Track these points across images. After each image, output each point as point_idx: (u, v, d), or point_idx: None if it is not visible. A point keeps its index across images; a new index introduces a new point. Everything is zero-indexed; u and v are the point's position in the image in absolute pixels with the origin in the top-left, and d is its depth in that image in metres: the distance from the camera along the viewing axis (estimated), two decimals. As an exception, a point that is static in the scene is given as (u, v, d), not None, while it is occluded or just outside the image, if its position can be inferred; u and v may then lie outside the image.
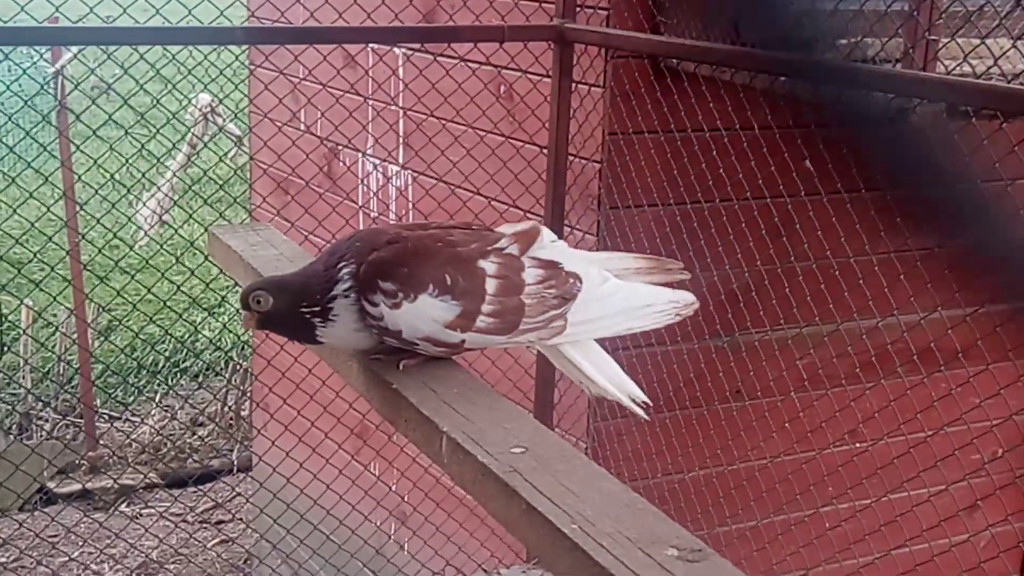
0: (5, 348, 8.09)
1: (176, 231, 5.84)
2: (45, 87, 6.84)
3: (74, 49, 6.63)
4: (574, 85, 3.31)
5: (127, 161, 5.73)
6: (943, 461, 3.01)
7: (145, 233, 6.53)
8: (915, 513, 3.19)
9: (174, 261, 6.35)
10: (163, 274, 6.31)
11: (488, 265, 1.71)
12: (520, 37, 3.29)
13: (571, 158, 3.35)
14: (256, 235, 2.34)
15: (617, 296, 1.78)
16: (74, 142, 6.58)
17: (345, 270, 1.68)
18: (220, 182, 6.30)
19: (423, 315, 1.65)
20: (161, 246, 6.48)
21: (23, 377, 7.44)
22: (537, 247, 1.77)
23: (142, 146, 5.11)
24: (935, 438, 3.07)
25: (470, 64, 3.72)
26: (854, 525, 3.43)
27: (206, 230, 5.66)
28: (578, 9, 3.25)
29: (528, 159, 3.44)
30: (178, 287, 6.71)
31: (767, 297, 3.27)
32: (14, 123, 7.16)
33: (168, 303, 6.66)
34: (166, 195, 6.51)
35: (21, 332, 7.52)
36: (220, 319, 7.73)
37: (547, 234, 1.83)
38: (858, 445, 3.42)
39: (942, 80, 2.43)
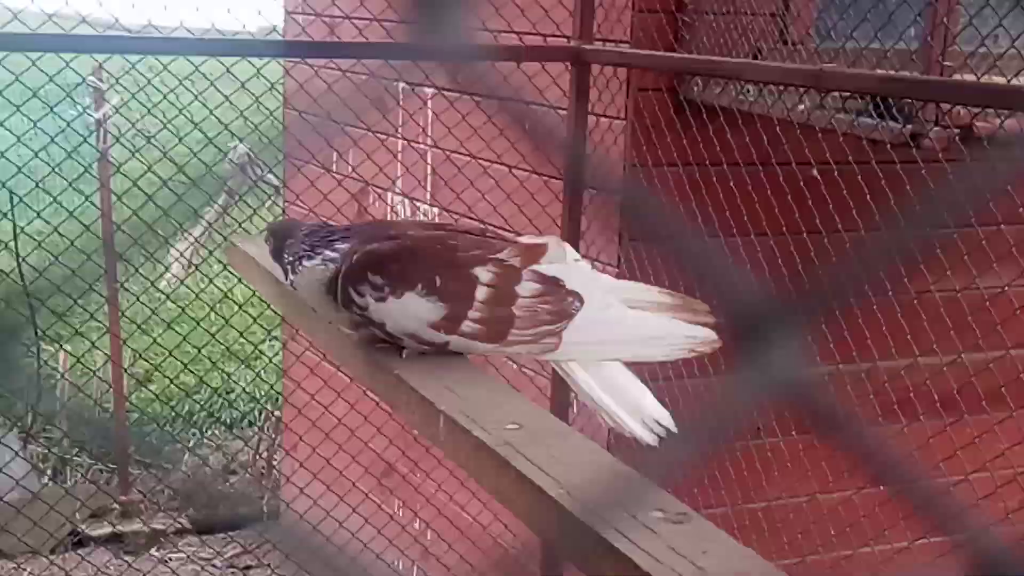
0: (42, 393, 8.18)
1: (211, 280, 5.93)
2: (87, 140, 6.96)
3: (115, 101, 6.77)
4: (596, 120, 3.33)
5: (164, 212, 5.84)
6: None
7: (178, 279, 6.61)
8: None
9: (208, 311, 6.45)
10: (198, 323, 6.37)
11: (483, 273, 1.72)
12: (537, 58, 3.32)
13: (593, 191, 3.35)
14: None
15: (623, 323, 1.75)
16: (115, 193, 6.70)
17: (332, 251, 1.74)
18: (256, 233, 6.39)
19: (408, 312, 1.69)
20: (197, 295, 6.56)
21: (60, 421, 7.51)
22: (545, 262, 1.77)
23: (179, 197, 5.21)
24: (958, 486, 3.00)
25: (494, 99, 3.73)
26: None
27: (240, 280, 5.72)
28: (602, 43, 3.27)
29: (555, 192, 3.44)
30: (212, 336, 6.80)
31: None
32: (57, 173, 7.32)
33: (203, 352, 6.74)
34: (199, 243, 6.58)
35: (60, 377, 7.61)
36: (254, 369, 7.77)
37: (568, 252, 1.82)
38: (881, 488, 3.34)
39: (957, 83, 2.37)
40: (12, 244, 6.20)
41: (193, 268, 6.46)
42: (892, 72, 2.32)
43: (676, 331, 1.75)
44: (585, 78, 3.25)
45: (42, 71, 4.15)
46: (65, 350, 7.36)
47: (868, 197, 2.90)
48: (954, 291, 2.96)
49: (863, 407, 3.22)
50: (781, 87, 2.96)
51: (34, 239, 6.43)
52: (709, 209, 3.24)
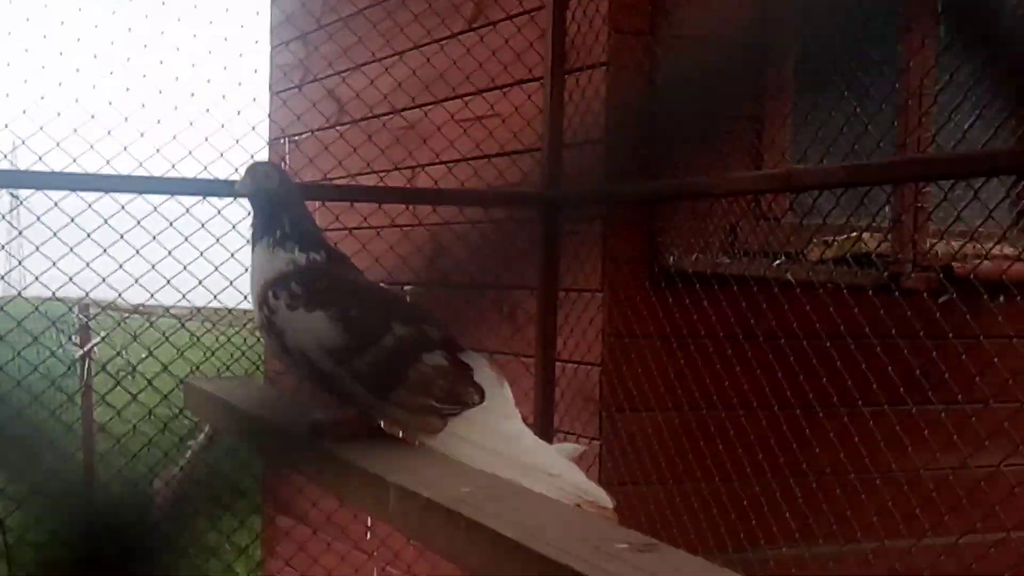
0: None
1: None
2: (72, 368, 6.90)
3: (102, 333, 6.75)
4: (566, 293, 3.24)
5: (150, 441, 5.67)
6: None
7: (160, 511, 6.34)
8: None
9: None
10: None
11: (399, 327, 1.66)
12: (505, 203, 3.28)
13: (566, 363, 3.22)
14: (230, 381, 2.28)
15: (518, 442, 1.64)
16: (99, 421, 6.58)
17: (311, 255, 1.71)
18: (235, 486, 6.23)
19: (308, 327, 1.62)
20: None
21: None
22: (474, 362, 1.69)
23: (165, 426, 5.09)
24: None
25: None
26: None
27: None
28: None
29: (527, 367, 3.31)
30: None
31: (780, 511, 3.03)
32: (41, 403, 7.16)
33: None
34: (185, 472, 6.38)
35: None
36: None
37: (505, 386, 1.74)
38: None
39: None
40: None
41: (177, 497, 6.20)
42: (857, 162, 2.25)
43: (572, 477, 1.62)
44: (554, 224, 3.19)
45: (27, 300, 4.13)
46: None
47: (853, 349, 2.78)
48: (950, 469, 2.81)
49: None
50: (757, 255, 2.90)
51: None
52: (689, 382, 3.10)
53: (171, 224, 3.02)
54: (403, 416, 1.64)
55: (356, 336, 1.62)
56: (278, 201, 1.76)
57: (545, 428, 3.12)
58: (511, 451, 1.61)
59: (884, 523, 2.93)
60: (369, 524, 4.07)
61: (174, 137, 3.19)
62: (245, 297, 3.68)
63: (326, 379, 1.63)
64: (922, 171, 2.15)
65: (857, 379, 2.83)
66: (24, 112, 3.10)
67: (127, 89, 3.25)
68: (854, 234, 2.72)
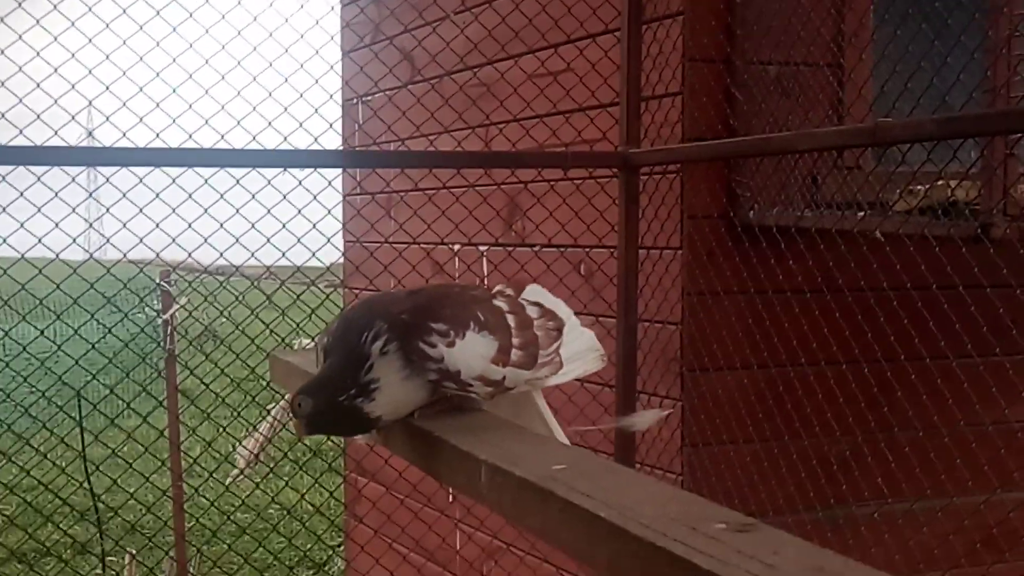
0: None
1: (287, 483, 5.82)
2: (160, 343, 7.02)
3: (182, 300, 6.85)
4: (646, 252, 3.21)
5: (238, 413, 5.79)
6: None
7: (241, 472, 6.49)
8: None
9: (284, 516, 6.30)
10: (274, 528, 6.22)
11: (501, 303, 1.71)
12: (584, 163, 3.26)
13: (647, 323, 3.20)
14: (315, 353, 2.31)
15: (581, 336, 1.83)
16: (186, 396, 6.70)
17: (373, 332, 1.59)
18: (313, 448, 6.33)
19: (474, 352, 1.61)
20: (273, 499, 6.40)
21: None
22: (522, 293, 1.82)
23: (253, 398, 5.18)
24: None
25: (549, 248, 3.67)
26: None
27: (303, 497, 5.64)
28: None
29: (608, 329, 3.29)
30: (289, 540, 6.64)
31: (868, 468, 2.99)
32: (131, 379, 7.36)
33: (278, 560, 6.57)
34: (265, 436, 6.49)
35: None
36: (330, 574, 7.51)
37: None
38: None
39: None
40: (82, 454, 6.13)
41: (255, 459, 6.35)
42: (947, 114, 2.18)
43: (594, 343, 1.85)
44: (635, 184, 3.15)
45: (116, 278, 4.20)
46: (133, 556, 7.17)
47: (945, 306, 2.72)
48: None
49: (941, 549, 2.96)
50: (840, 207, 2.84)
51: (108, 446, 6.41)
52: (774, 340, 3.07)
53: (253, 196, 3.05)
54: (546, 372, 1.70)
55: (499, 332, 1.64)
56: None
57: (628, 391, 3.11)
58: (579, 347, 1.79)
59: (975, 477, 2.88)
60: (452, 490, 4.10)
61: (254, 108, 3.20)
62: (313, 254, 3.72)
63: (498, 385, 1.64)
64: (1015, 123, 2.08)
65: (945, 332, 2.78)
66: (107, 88, 3.13)
67: (206, 61, 3.27)
68: (941, 183, 2.65)
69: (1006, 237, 2.42)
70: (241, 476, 6.58)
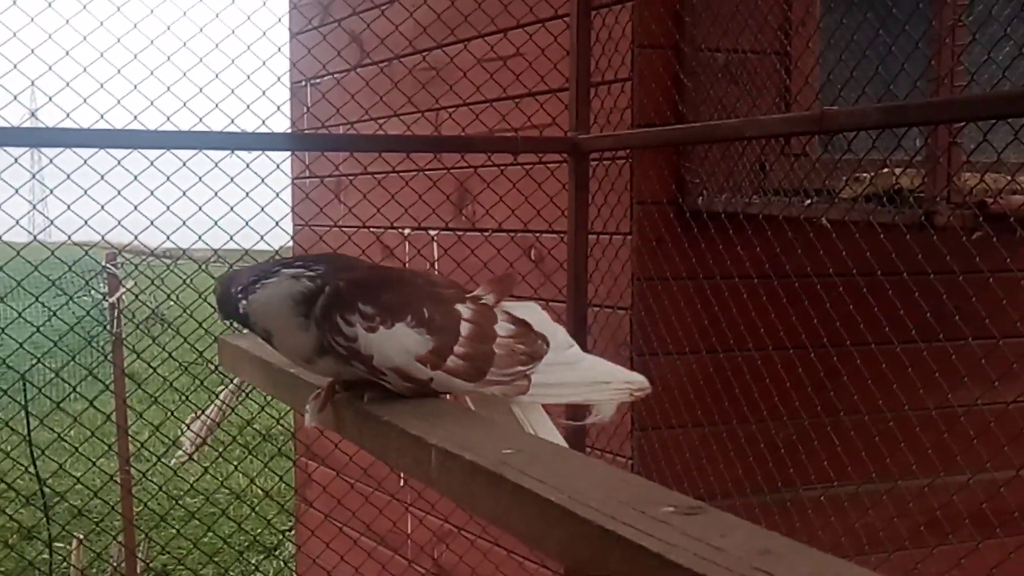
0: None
1: (223, 483, 5.79)
2: (106, 326, 6.95)
3: (128, 283, 6.78)
4: (596, 238, 3.22)
5: (186, 397, 5.72)
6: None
7: (189, 456, 6.45)
8: None
9: (233, 500, 6.26)
10: (224, 513, 6.19)
11: (464, 309, 1.67)
12: (534, 148, 3.26)
13: (596, 308, 3.21)
14: None
15: (580, 365, 1.76)
16: (134, 380, 6.64)
17: (314, 275, 1.61)
18: (263, 432, 6.30)
19: (398, 344, 1.59)
20: (222, 483, 6.36)
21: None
22: (510, 304, 1.75)
23: (201, 382, 5.14)
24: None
25: (499, 232, 3.67)
26: None
27: (252, 481, 5.61)
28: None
29: (558, 314, 3.31)
30: (239, 524, 6.60)
31: (815, 452, 3.03)
32: (77, 363, 7.28)
33: (228, 544, 6.52)
34: (213, 419, 6.45)
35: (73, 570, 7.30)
36: (281, 558, 7.49)
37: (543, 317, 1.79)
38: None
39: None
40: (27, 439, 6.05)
41: (202, 442, 6.31)
42: (892, 103, 2.21)
43: (619, 375, 1.78)
44: (584, 169, 3.16)
45: (61, 260, 4.14)
46: (80, 540, 7.10)
47: (890, 292, 2.76)
48: (974, 404, 2.80)
49: (886, 531, 3.01)
50: (787, 194, 2.86)
51: (54, 430, 6.34)
52: (723, 325, 3.09)
53: (200, 179, 3.02)
54: (497, 391, 1.67)
55: (441, 334, 1.61)
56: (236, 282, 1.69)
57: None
58: (575, 378, 1.73)
59: (919, 461, 2.93)
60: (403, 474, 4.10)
61: (200, 90, 3.17)
62: (262, 237, 3.69)
63: (423, 385, 1.62)
64: (958, 112, 2.11)
65: (890, 317, 2.82)
66: (50, 68, 3.08)
67: (151, 42, 3.23)
68: (886, 171, 2.68)
69: (949, 224, 2.46)
70: (188, 459, 6.53)
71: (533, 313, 1.74)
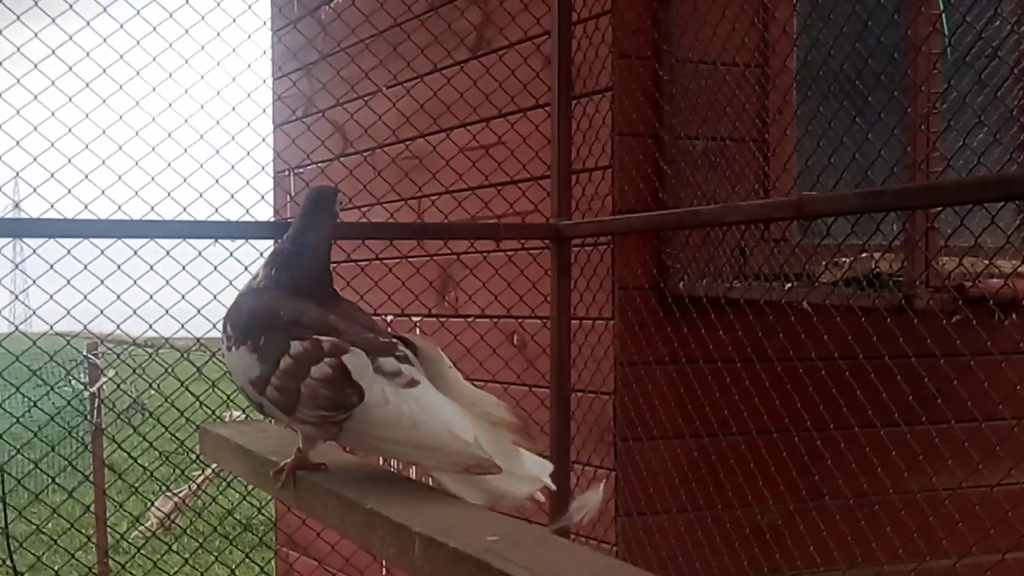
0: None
1: (203, 574, 5.72)
2: (87, 416, 6.90)
3: (110, 373, 6.76)
4: (579, 323, 3.23)
5: (166, 487, 5.66)
6: None
7: (153, 533, 6.38)
8: None
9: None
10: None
11: (296, 345, 1.75)
12: (517, 235, 3.29)
13: (580, 393, 3.21)
14: (247, 426, 2.30)
15: (397, 426, 1.71)
16: (113, 469, 6.58)
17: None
18: (244, 522, 6.24)
19: (237, 365, 1.79)
20: (202, 574, 6.28)
21: None
22: (356, 358, 1.72)
23: (182, 471, 5.08)
24: None
25: (482, 318, 3.68)
26: None
27: (233, 572, 5.55)
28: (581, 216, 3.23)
29: (541, 399, 3.30)
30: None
31: (801, 536, 3.01)
32: (57, 453, 7.20)
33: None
34: (182, 500, 6.39)
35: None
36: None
37: (444, 357, 1.81)
38: None
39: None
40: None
41: (171, 523, 6.24)
42: (870, 188, 2.24)
43: (453, 446, 1.67)
44: (566, 255, 3.18)
45: (42, 350, 4.13)
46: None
47: (872, 376, 2.77)
48: (959, 487, 2.81)
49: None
50: (768, 278, 2.89)
51: (32, 523, 6.25)
52: (706, 409, 3.10)
53: (184, 268, 3.03)
54: (309, 430, 1.77)
55: (266, 364, 1.74)
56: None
57: (562, 460, 3.11)
58: (397, 437, 1.70)
59: (905, 544, 2.91)
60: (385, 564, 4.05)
61: (184, 180, 3.19)
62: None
63: (260, 408, 1.79)
64: (935, 197, 2.14)
65: (872, 401, 2.83)
66: (35, 160, 3.10)
67: (136, 133, 3.26)
68: (865, 255, 2.71)
69: (929, 308, 2.48)
70: (151, 536, 6.48)
71: (362, 365, 1.71)
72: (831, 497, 3.06)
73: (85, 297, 3.10)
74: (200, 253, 3.08)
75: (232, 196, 3.30)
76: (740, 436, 3.07)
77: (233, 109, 3.53)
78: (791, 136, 3.00)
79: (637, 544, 3.09)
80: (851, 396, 2.83)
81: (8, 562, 5.91)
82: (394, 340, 1.78)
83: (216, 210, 3.22)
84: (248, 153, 3.48)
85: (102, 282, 3.11)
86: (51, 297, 3.05)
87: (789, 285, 2.79)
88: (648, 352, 3.12)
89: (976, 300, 2.52)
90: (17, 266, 3.44)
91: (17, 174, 3.29)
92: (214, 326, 3.74)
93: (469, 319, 3.74)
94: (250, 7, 3.71)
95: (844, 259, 2.73)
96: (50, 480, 8.50)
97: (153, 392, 4.97)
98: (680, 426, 3.11)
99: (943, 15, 2.47)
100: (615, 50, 3.19)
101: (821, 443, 2.99)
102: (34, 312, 3.40)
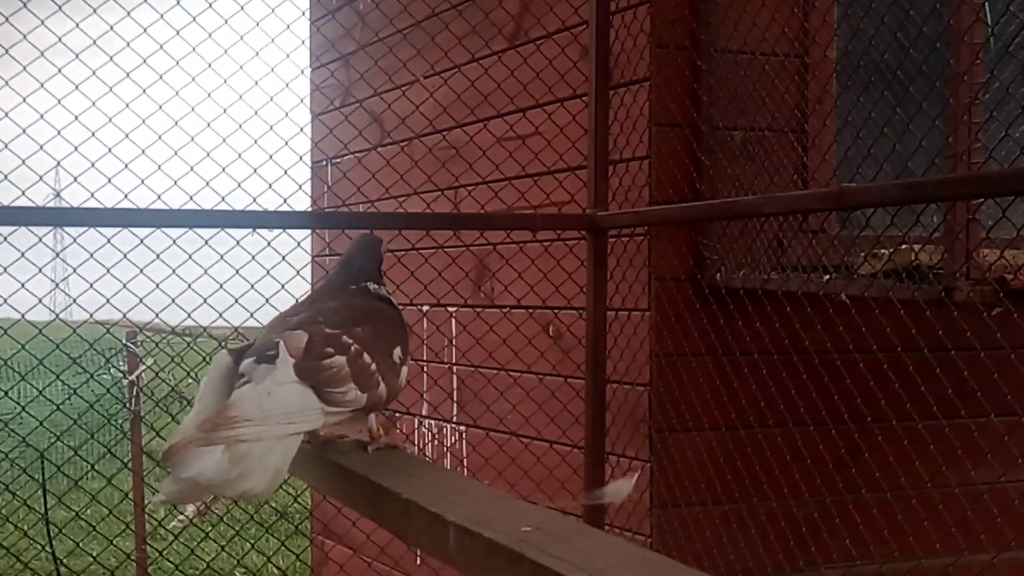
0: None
1: (239, 561, 5.77)
2: (126, 404, 6.97)
3: (148, 361, 6.82)
4: (615, 314, 3.23)
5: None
6: None
7: (190, 520, 6.44)
8: None
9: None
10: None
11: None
12: (553, 226, 3.27)
13: (615, 384, 3.20)
14: None
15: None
16: (151, 457, 6.65)
17: None
18: (280, 510, 6.29)
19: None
20: (239, 562, 6.34)
21: None
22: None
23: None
24: None
25: (517, 309, 3.68)
26: None
27: (269, 560, 5.59)
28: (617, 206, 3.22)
29: (576, 390, 3.30)
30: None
31: (837, 530, 2.99)
32: (96, 441, 7.28)
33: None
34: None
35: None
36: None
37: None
38: None
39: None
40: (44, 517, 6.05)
41: (208, 511, 6.30)
42: (910, 179, 2.22)
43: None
44: (603, 246, 3.17)
45: (82, 338, 4.17)
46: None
47: (911, 369, 2.74)
48: (998, 481, 2.78)
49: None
50: (806, 270, 2.87)
51: (71, 509, 6.32)
52: (742, 401, 3.08)
53: (222, 257, 3.05)
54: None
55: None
56: None
57: (597, 452, 3.10)
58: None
59: (942, 539, 2.89)
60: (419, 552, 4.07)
61: (223, 169, 3.21)
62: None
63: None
64: (977, 189, 2.12)
65: (911, 394, 2.80)
66: (75, 149, 3.13)
67: (175, 123, 3.29)
68: (904, 247, 2.69)
69: (969, 300, 2.45)
70: (189, 524, 6.55)
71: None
72: (868, 491, 3.04)
73: (124, 286, 3.13)
74: (238, 242, 3.11)
75: (270, 186, 3.32)
76: (776, 429, 3.05)
77: (271, 99, 3.55)
78: (831, 127, 2.97)
79: (672, 536, 3.09)
80: (889, 389, 2.80)
81: (48, 548, 5.98)
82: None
83: (254, 199, 3.25)
84: (286, 143, 3.50)
85: (141, 271, 3.13)
86: (91, 286, 3.08)
87: (827, 277, 2.77)
88: (684, 343, 3.11)
89: (1017, 293, 2.49)
90: (58, 255, 3.47)
91: (58, 163, 3.32)
92: (251, 315, 3.77)
93: (505, 310, 3.74)
94: (289, -3, 3.72)
95: (883, 251, 2.71)
96: (89, 467, 8.61)
97: (191, 381, 5.03)
98: (716, 418, 3.10)
99: (986, 4, 2.44)
100: (653, 40, 3.17)
101: (859, 436, 2.96)
102: (74, 300, 3.44)
